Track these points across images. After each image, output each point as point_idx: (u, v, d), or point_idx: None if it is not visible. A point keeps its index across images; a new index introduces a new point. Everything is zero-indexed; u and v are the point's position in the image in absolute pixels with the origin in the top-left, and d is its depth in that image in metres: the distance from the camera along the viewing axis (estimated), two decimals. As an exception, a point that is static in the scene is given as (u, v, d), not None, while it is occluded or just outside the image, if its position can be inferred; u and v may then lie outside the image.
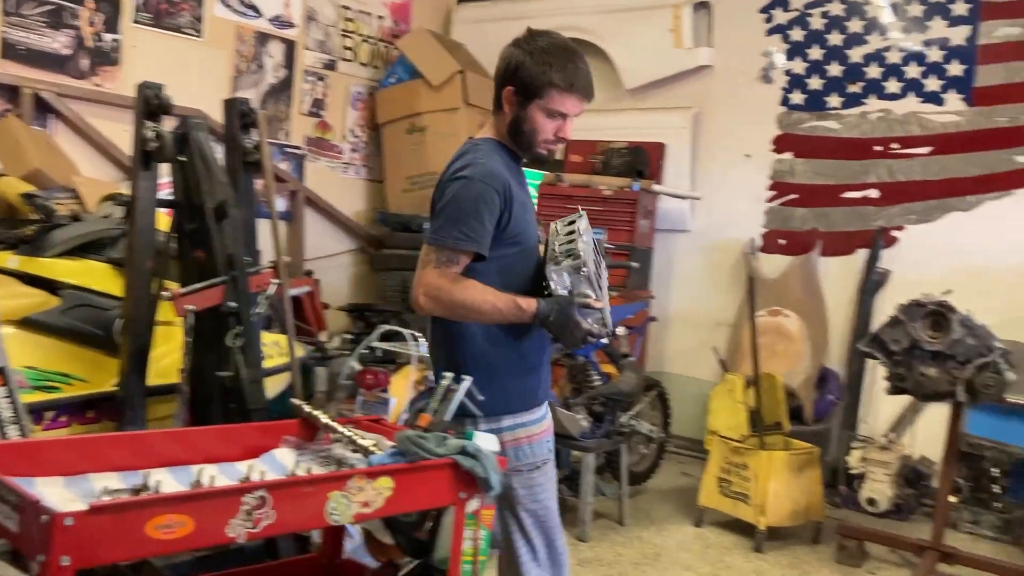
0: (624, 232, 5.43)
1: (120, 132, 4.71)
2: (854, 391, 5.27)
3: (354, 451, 2.11)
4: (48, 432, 2.98)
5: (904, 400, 4.84)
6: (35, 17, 4.67)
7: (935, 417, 4.63)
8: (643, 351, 5.52)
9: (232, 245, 2.99)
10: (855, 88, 5.48)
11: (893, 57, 5.35)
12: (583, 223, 2.24)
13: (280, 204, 5.72)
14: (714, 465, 4.46)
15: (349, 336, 4.45)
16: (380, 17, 6.46)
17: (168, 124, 2.98)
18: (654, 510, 4.64)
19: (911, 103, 5.30)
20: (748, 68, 5.79)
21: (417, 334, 3.98)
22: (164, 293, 2.87)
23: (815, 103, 5.60)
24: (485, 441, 2.09)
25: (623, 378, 4.33)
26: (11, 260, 3.27)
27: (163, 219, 3.09)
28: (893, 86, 5.35)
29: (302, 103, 5.99)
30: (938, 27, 5.21)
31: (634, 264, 5.11)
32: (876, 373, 4.78)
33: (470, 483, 2.00)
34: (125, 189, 3.65)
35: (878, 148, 5.39)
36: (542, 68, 2.11)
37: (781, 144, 5.68)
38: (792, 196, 5.63)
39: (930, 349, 3.73)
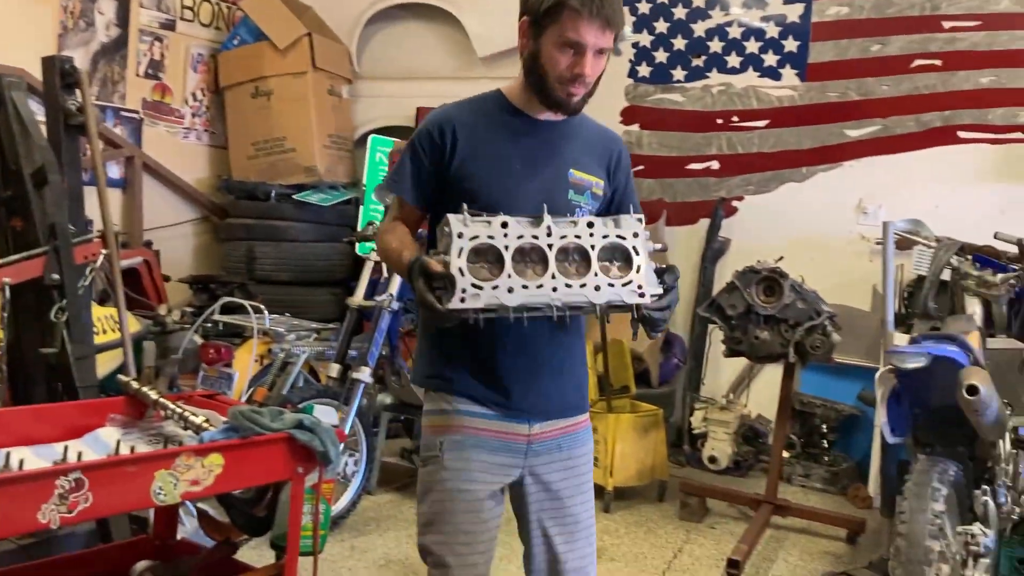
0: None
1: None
2: (697, 355, 5.48)
3: (185, 428, 2.03)
4: None
5: (742, 362, 5.08)
6: None
7: (770, 378, 4.89)
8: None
9: (54, 213, 2.81)
10: (698, 62, 5.64)
11: (734, 32, 5.54)
12: None
13: (114, 171, 5.42)
14: (564, 430, 4.54)
15: (191, 309, 4.27)
16: (222, -24, 6.17)
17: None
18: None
19: (750, 77, 5.51)
20: (597, 39, 5.86)
21: (260, 306, 3.87)
22: (-25, 265, 2.67)
23: (661, 76, 5.74)
24: (324, 414, 2.05)
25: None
26: None
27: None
28: (734, 60, 5.55)
29: (138, 64, 5.66)
30: (775, 4, 5.43)
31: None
32: (717, 337, 4.98)
33: (308, 457, 1.95)
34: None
35: (719, 121, 5.58)
36: None
37: (628, 116, 5.80)
38: (639, 167, 5.77)
39: (763, 313, 3.92)
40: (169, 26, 5.84)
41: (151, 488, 1.71)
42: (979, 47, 4.96)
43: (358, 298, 3.92)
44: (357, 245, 4.75)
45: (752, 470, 5.04)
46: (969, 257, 3.65)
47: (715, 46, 5.58)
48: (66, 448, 1.85)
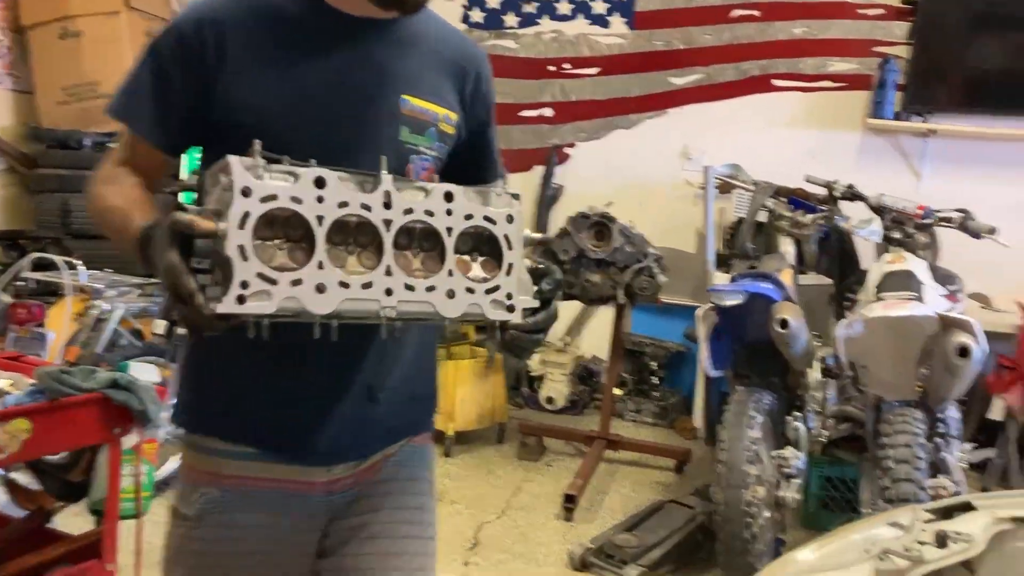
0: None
1: None
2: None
3: (-14, 393, 1.89)
4: None
5: (577, 305, 5.21)
6: None
7: (603, 320, 5.04)
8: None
9: None
10: (530, 8, 5.65)
11: (564, -21, 5.58)
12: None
13: (-99, 117, 4.92)
14: (404, 379, 4.55)
15: (-2, 267, 3.97)
16: (18, -97, 5.64)
17: None
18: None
19: (581, 25, 5.57)
20: (429, -17, 5.77)
21: (75, 262, 3.63)
22: None
23: (494, 22, 5.72)
24: (142, 372, 1.96)
25: None
26: None
27: None
28: (564, 7, 5.59)
29: (-77, -1, 5.13)
30: (603, -49, 5.50)
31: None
32: (552, 282, 5.08)
33: (125, 417, 1.87)
34: None
35: (552, 68, 5.63)
36: None
37: (463, 61, 5.75)
38: (474, 113, 5.76)
39: (594, 257, 4.03)
40: (-43, -43, 5.31)
41: (-53, 458, 1.59)
42: (793, -1, 5.20)
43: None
44: (181, 195, 4.53)
45: (587, 408, 5.21)
46: (783, 199, 3.86)
47: (546, -8, 5.61)
48: None
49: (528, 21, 5.66)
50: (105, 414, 1.83)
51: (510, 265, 1.17)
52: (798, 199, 3.93)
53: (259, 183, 1.00)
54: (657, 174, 5.36)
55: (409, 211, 1.10)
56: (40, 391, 1.77)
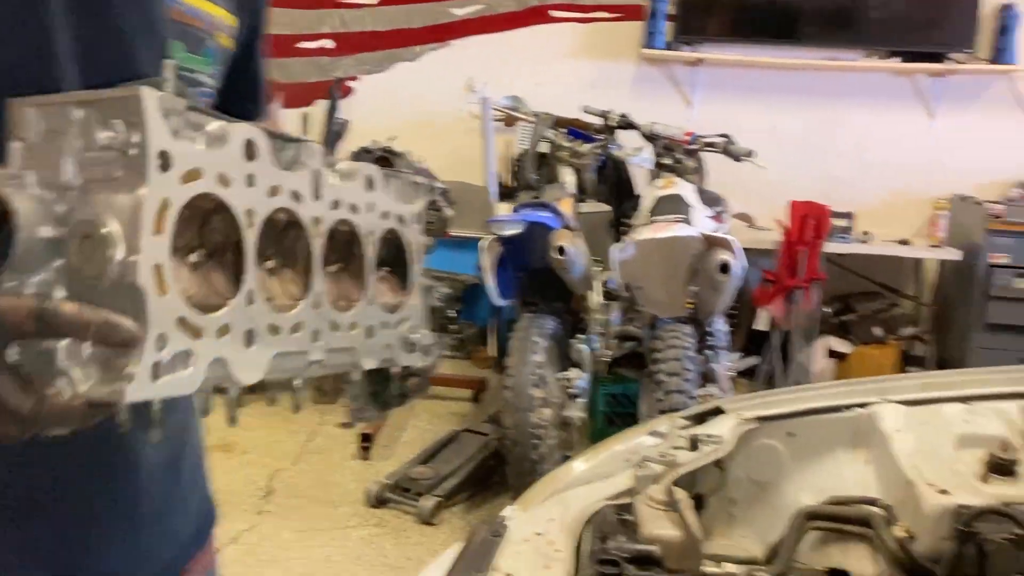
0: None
1: None
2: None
3: None
4: None
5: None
6: None
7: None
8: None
9: None
10: (303, -66, 5.40)
11: (337, -96, 5.36)
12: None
13: None
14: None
15: None
16: None
17: None
18: None
19: (357, -48, 5.39)
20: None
21: None
22: None
23: (265, -52, 5.42)
24: None
25: None
26: None
27: None
28: (339, -66, 5.39)
29: None
30: None
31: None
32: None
33: None
34: None
35: (330, -3, 5.44)
36: None
37: (233, -10, 5.44)
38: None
39: (380, 193, 3.97)
40: None
41: None
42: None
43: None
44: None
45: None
46: (563, 130, 3.94)
47: (319, -83, 5.37)
48: None
49: (303, -53, 5.41)
50: None
51: (413, 283, 0.82)
52: (576, 129, 4.03)
53: (181, 147, 0.55)
54: (442, 107, 5.32)
55: (336, 205, 0.70)
56: None
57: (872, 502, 1.65)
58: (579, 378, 3.09)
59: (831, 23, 4.99)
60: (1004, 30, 4.82)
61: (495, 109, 4.47)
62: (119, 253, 0.51)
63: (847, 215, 4.74)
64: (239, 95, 0.96)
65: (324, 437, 3.86)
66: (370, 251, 0.74)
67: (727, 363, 3.35)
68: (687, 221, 3.09)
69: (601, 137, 3.80)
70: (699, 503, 1.67)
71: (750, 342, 4.75)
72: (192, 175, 0.56)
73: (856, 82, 5.09)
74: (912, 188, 5.05)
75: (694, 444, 1.55)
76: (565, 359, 3.28)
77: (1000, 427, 1.68)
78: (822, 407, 1.77)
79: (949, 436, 1.69)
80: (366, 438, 3.62)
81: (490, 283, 3.22)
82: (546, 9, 5.24)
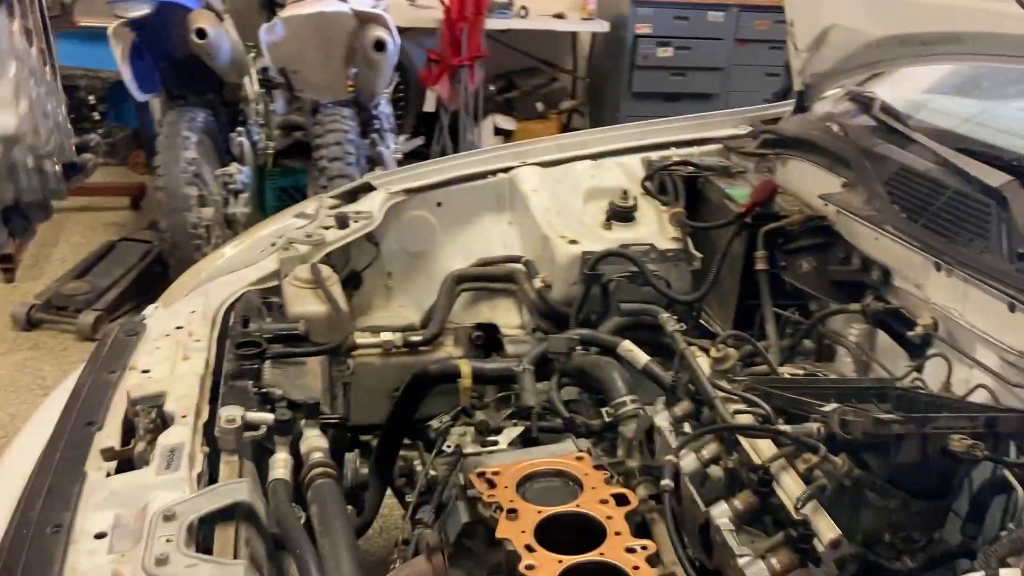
0: None
1: None
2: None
3: None
4: None
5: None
6: None
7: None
8: None
9: None
10: None
11: None
12: None
13: None
14: None
15: None
16: None
17: None
18: None
19: None
20: None
21: None
22: None
23: None
24: None
25: None
26: None
27: None
28: None
29: None
30: None
31: None
32: None
33: None
34: None
35: None
36: None
37: None
38: None
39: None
40: None
41: None
42: None
43: None
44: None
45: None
46: None
47: None
48: None
49: None
50: None
51: None
52: None
53: None
54: None
55: None
56: None
57: (515, 259, 1.76)
58: (240, 172, 2.94)
59: None
60: None
61: None
62: None
63: (506, -10, 4.75)
64: None
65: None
66: None
67: (394, 145, 3.35)
68: (341, -2, 2.94)
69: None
70: (356, 280, 1.69)
71: (421, 124, 4.76)
72: None
73: None
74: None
75: (343, 222, 1.53)
76: (225, 154, 3.11)
77: (622, 179, 1.84)
78: (468, 175, 1.82)
79: (579, 191, 1.82)
80: (6, 259, 3.25)
81: (127, 75, 2.91)
82: None
